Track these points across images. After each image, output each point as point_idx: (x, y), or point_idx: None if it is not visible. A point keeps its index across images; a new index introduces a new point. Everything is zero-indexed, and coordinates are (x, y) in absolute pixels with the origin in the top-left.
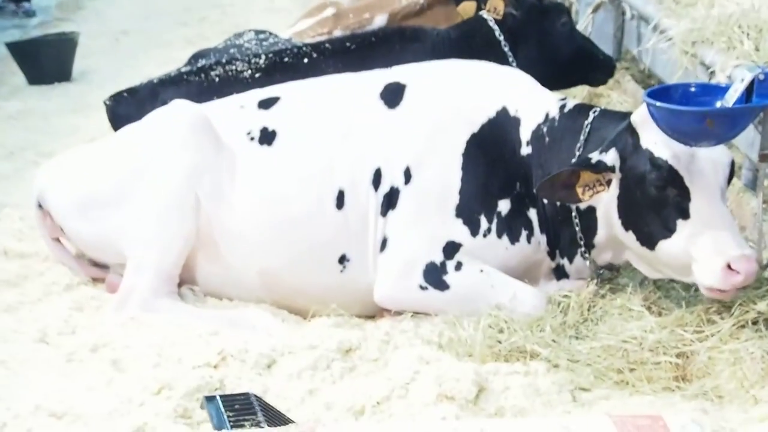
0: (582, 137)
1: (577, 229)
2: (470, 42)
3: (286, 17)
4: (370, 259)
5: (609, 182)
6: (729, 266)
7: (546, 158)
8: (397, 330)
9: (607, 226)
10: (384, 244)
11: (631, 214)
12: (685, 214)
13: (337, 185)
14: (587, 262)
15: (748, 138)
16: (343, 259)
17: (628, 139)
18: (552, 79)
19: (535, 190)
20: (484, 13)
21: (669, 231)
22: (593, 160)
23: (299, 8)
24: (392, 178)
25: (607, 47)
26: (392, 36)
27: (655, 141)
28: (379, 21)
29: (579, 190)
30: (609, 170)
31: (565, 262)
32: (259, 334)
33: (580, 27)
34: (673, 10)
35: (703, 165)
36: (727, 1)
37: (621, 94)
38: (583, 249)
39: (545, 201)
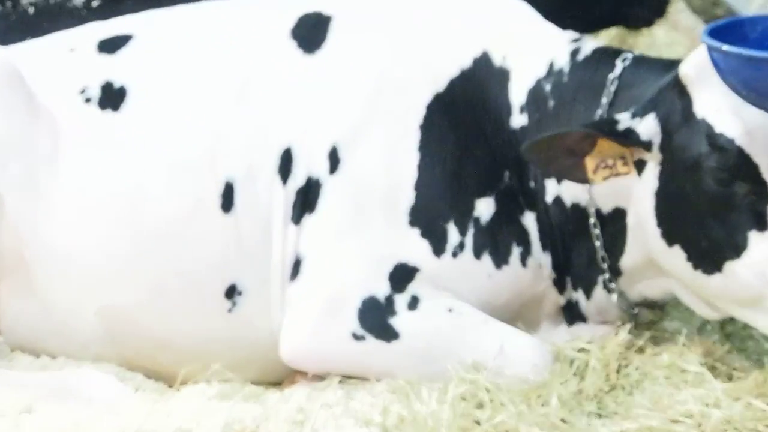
0: (605, 99)
1: (597, 244)
2: None
3: None
4: (274, 292)
5: (640, 165)
6: None
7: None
8: (318, 404)
9: (641, 240)
10: (297, 267)
11: (677, 220)
12: (761, 223)
13: (224, 175)
14: (614, 297)
15: None
16: (232, 292)
17: (675, 102)
18: (565, 15)
19: (521, 149)
20: None
21: (737, 248)
22: (621, 125)
23: None
24: (310, 163)
25: None
26: None
27: (718, 107)
28: None
29: (590, 165)
30: (643, 146)
31: (580, 296)
32: (98, 410)
33: None
34: None
35: None
36: None
37: (669, 31)
38: (607, 276)
39: (548, 199)
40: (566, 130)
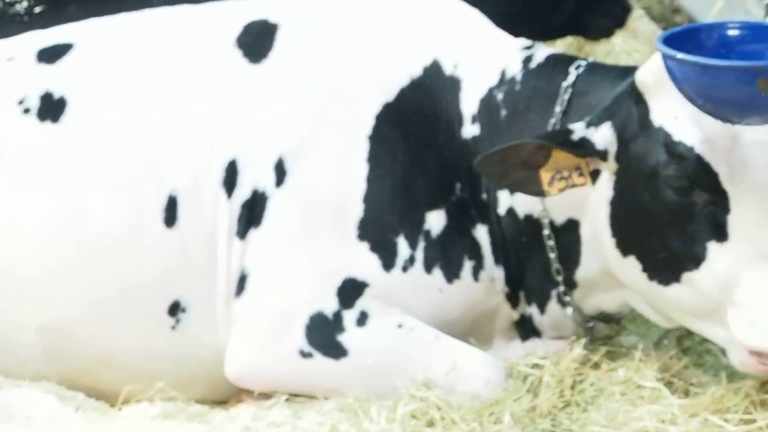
0: (558, 107)
1: (552, 256)
2: None
3: None
4: (218, 309)
5: (594, 175)
6: None
7: (502, 141)
8: (264, 423)
9: (596, 251)
10: (242, 283)
11: (632, 230)
12: (721, 233)
13: (167, 189)
14: (569, 310)
15: None
16: (175, 309)
17: (631, 110)
18: (523, 23)
19: (475, 164)
20: None
21: (696, 258)
22: (575, 134)
23: None
24: (255, 176)
25: None
26: None
27: (676, 115)
28: None
29: (545, 178)
30: (599, 156)
31: (533, 310)
32: (37, 431)
33: None
34: None
35: (752, 154)
36: None
37: (628, 38)
38: (562, 289)
39: (500, 211)
40: (519, 142)
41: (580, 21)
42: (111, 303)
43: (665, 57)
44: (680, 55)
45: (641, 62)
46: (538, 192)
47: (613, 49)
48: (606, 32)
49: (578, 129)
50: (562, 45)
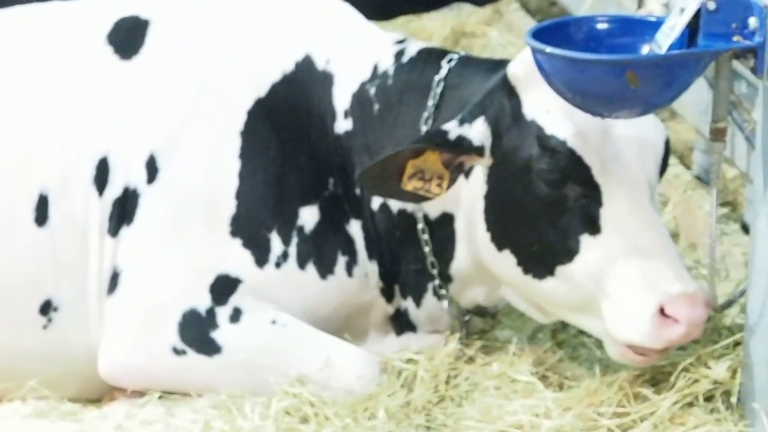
0: (431, 101)
1: (426, 250)
2: None
3: None
4: (91, 307)
5: (468, 171)
6: (662, 311)
7: (375, 136)
8: (137, 421)
9: (470, 244)
10: (114, 281)
11: (507, 224)
12: (593, 226)
13: (37, 186)
14: (445, 304)
15: (701, 102)
16: (47, 308)
17: (503, 104)
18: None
19: (356, 177)
20: None
21: (569, 252)
22: (450, 134)
23: None
24: (127, 173)
25: None
26: None
27: (548, 108)
28: None
29: (408, 170)
30: (476, 152)
31: (409, 304)
32: None
33: None
34: None
35: (622, 148)
36: None
37: (504, 32)
38: (437, 283)
39: (374, 206)
40: (397, 150)
41: None
42: None
43: (534, 51)
44: (549, 49)
45: (516, 56)
46: (418, 200)
47: (489, 43)
48: None
49: (453, 128)
50: (439, 38)
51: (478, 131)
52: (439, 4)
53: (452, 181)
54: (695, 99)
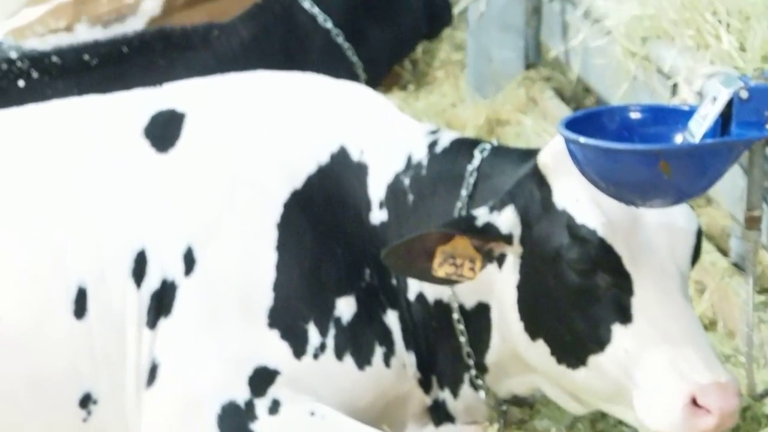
0: (464, 191)
1: (462, 340)
2: (276, 40)
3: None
4: (129, 399)
5: (501, 259)
6: (694, 401)
7: (409, 227)
8: None
9: (505, 334)
10: (153, 373)
11: (539, 314)
12: (625, 315)
13: (75, 280)
14: (481, 394)
15: (736, 189)
16: (86, 401)
17: (533, 192)
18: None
19: (381, 257)
20: None
21: (600, 341)
22: (479, 220)
23: None
24: (164, 265)
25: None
26: (152, 43)
27: (577, 198)
28: (150, 7)
29: (438, 256)
30: (503, 240)
31: (446, 395)
32: None
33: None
34: None
35: (654, 237)
36: None
37: (538, 119)
38: (473, 373)
39: (410, 297)
40: (424, 232)
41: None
42: (20, 397)
43: (568, 141)
44: (582, 139)
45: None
46: (443, 282)
47: (524, 131)
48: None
49: (482, 214)
50: (473, 128)
51: (507, 219)
52: (407, 47)
53: (484, 266)
54: (730, 185)
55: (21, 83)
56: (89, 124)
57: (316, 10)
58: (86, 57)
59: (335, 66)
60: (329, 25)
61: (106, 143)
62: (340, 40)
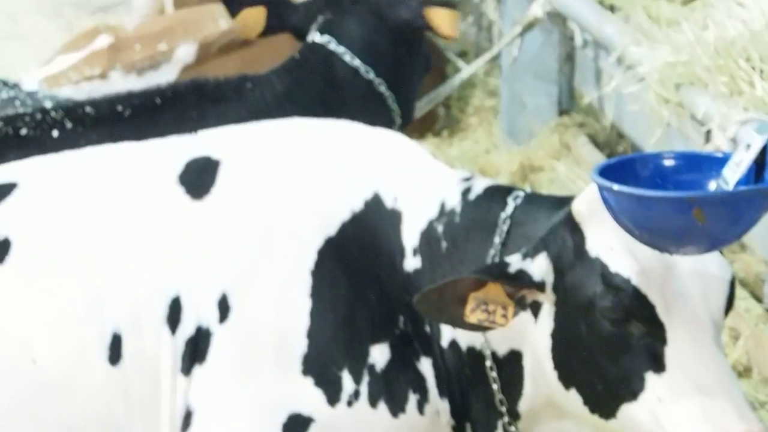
0: (498, 239)
1: (495, 387)
2: (312, 92)
3: (36, 48)
4: None
5: (535, 307)
6: None
7: (443, 274)
8: None
9: (539, 382)
10: (188, 420)
11: (572, 362)
12: (658, 365)
13: (111, 326)
14: None
15: None
16: None
17: (566, 240)
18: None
19: (414, 302)
20: (318, 37)
21: (633, 390)
22: (512, 267)
23: (59, 33)
24: (199, 312)
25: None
26: (185, 95)
27: (611, 246)
28: (184, 54)
29: (470, 302)
30: (536, 287)
31: None
32: None
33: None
34: (645, 32)
35: (687, 285)
36: (727, 18)
37: (572, 165)
38: (506, 420)
39: (443, 344)
40: (457, 278)
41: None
42: None
43: (601, 188)
44: (616, 187)
45: (584, 190)
46: (475, 329)
47: (557, 177)
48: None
49: (514, 261)
50: (507, 174)
51: (540, 266)
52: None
53: (516, 313)
54: (765, 231)
55: (55, 133)
56: (125, 171)
57: (357, 62)
58: (119, 108)
59: (375, 115)
60: (371, 75)
61: (141, 189)
62: (383, 89)
